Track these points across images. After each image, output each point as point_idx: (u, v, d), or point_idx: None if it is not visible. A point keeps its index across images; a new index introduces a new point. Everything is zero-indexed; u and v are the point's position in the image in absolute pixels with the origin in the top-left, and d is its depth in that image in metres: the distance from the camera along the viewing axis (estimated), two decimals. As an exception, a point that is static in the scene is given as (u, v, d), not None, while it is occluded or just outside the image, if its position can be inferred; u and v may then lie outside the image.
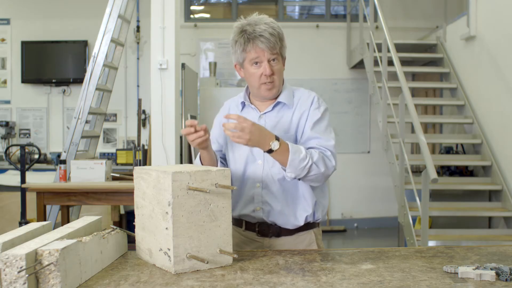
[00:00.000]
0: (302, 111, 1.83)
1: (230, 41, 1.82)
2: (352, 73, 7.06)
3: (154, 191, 1.49)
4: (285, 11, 7.63)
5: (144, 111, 6.62)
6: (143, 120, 6.63)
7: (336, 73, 7.09)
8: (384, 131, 4.88)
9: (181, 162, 4.95)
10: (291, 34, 6.19)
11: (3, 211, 5.01)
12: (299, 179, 1.75)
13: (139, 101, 6.14)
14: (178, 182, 1.41)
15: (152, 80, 4.54)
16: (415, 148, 6.45)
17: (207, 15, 7.76)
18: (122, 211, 5.33)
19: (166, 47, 4.51)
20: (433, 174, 3.48)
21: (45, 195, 3.78)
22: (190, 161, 5.13)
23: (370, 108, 7.06)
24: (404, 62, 5.55)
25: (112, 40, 4.51)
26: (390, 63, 4.59)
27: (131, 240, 1.64)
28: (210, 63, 6.59)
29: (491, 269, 1.36)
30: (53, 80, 6.80)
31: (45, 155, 6.43)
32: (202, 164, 1.84)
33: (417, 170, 5.58)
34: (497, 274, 1.34)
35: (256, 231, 1.85)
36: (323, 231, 2.18)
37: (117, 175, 4.24)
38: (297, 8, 8.00)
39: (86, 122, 4.46)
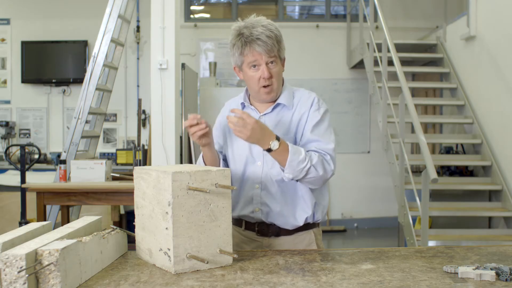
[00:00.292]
0: (302, 113, 1.83)
1: (229, 44, 1.82)
2: (352, 73, 7.06)
3: (154, 191, 1.49)
4: (285, 11, 7.63)
5: (144, 111, 6.62)
6: (143, 120, 6.63)
7: (336, 73, 7.09)
8: (384, 131, 4.88)
9: (181, 162, 4.96)
10: (291, 34, 6.21)
11: (3, 211, 5.01)
12: (297, 180, 1.75)
13: (139, 101, 6.15)
14: (178, 182, 1.41)
15: (152, 80, 4.54)
16: (415, 148, 6.45)
17: (207, 15, 7.76)
18: (122, 211, 5.33)
19: (166, 47, 4.51)
20: (433, 174, 3.48)
21: (45, 195, 3.78)
22: (190, 161, 5.13)
23: (370, 108, 7.06)
24: (404, 62, 5.55)
25: (112, 40, 4.51)
26: (390, 63, 4.59)
27: (131, 240, 1.64)
28: (210, 63, 6.59)
29: (491, 269, 1.36)
30: (53, 80, 6.80)
31: (45, 155, 6.43)
32: (205, 164, 1.84)
33: (417, 170, 5.58)
34: (497, 274, 1.34)
35: (255, 231, 1.85)
36: (323, 231, 2.17)
37: (117, 175, 4.24)
38: (297, 8, 8.00)
39: (86, 122, 4.46)
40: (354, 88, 7.11)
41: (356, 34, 6.57)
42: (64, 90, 6.92)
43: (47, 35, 6.80)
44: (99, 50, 4.46)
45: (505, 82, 4.46)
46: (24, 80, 6.81)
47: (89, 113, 4.46)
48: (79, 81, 6.03)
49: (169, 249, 1.41)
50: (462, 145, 5.47)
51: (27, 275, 1.17)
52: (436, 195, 4.81)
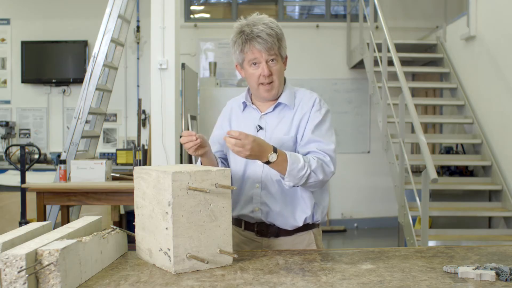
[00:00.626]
0: (303, 113, 1.82)
1: (230, 42, 1.82)
2: (352, 73, 7.06)
3: (154, 191, 1.49)
4: (285, 11, 7.63)
5: (144, 111, 6.62)
6: (143, 120, 6.63)
7: (336, 73, 7.09)
8: (384, 131, 4.88)
9: (181, 162, 4.95)
10: (291, 34, 6.18)
11: (3, 211, 5.01)
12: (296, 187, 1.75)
13: (139, 101, 6.14)
14: (178, 182, 1.41)
15: (152, 80, 4.54)
16: (415, 148, 6.45)
17: (207, 15, 7.76)
18: (122, 211, 5.33)
19: (166, 47, 4.51)
20: (433, 174, 3.48)
21: (45, 195, 3.78)
22: (190, 161, 5.13)
23: (370, 108, 7.06)
24: (404, 62, 5.55)
25: (112, 40, 4.51)
26: (390, 63, 4.59)
27: (131, 240, 1.64)
28: (210, 63, 6.59)
29: (491, 269, 1.36)
30: (53, 80, 6.80)
31: (45, 155, 6.43)
32: None
33: (417, 170, 5.58)
34: (497, 274, 1.34)
35: (255, 231, 1.85)
36: (323, 231, 2.18)
37: (117, 175, 4.23)
38: (297, 8, 8.00)
39: (86, 122, 4.45)
40: (354, 88, 7.11)
41: (356, 34, 6.57)
42: (64, 90, 6.92)
43: (47, 35, 6.80)
44: (99, 50, 4.45)
45: (505, 82, 4.46)
46: (24, 80, 6.80)
47: (89, 113, 4.46)
48: (79, 81, 6.03)
49: (169, 249, 1.41)
50: (462, 145, 5.47)
51: (27, 275, 1.17)
52: (436, 195, 4.81)
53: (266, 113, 1.86)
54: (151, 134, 4.59)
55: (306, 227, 1.84)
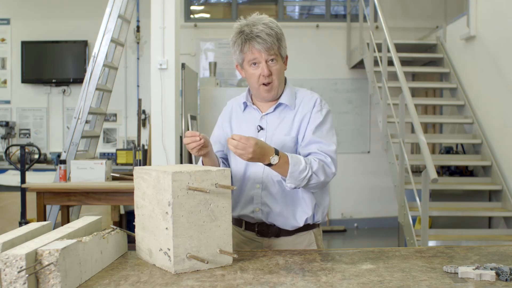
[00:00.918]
0: (304, 114, 1.82)
1: (230, 42, 1.82)
2: (352, 73, 7.06)
3: (154, 191, 1.49)
4: (285, 11, 7.63)
5: (144, 111, 6.62)
6: (143, 120, 6.62)
7: (336, 73, 7.09)
8: (384, 131, 4.88)
9: (181, 162, 4.95)
10: (291, 34, 6.18)
11: (3, 211, 5.01)
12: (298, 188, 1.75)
13: (139, 101, 6.14)
14: (178, 182, 1.41)
15: (152, 80, 4.54)
16: (415, 148, 6.45)
17: (207, 15, 7.76)
18: (122, 211, 5.33)
19: (166, 47, 4.51)
20: (433, 174, 3.48)
21: (45, 195, 3.78)
22: (190, 161, 5.13)
23: (370, 108, 7.06)
24: (404, 62, 5.55)
25: (112, 40, 4.51)
26: (390, 63, 4.59)
27: (131, 240, 1.64)
28: (210, 63, 6.59)
29: (491, 269, 1.36)
30: (53, 80, 6.80)
31: (45, 155, 6.44)
32: None
33: (417, 170, 5.58)
34: (497, 274, 1.34)
35: (255, 231, 1.85)
36: (323, 231, 2.17)
37: (117, 175, 4.23)
38: (297, 8, 8.00)
39: (86, 122, 4.45)
40: (354, 88, 7.11)
41: (356, 34, 6.57)
42: (64, 90, 6.92)
43: (47, 35, 6.80)
44: (99, 50, 4.45)
45: (505, 82, 4.46)
46: (24, 80, 6.80)
47: (89, 113, 4.46)
48: (79, 81, 6.03)
49: (169, 249, 1.41)
50: (462, 145, 5.47)
51: (27, 275, 1.17)
52: (436, 195, 4.81)
53: (267, 114, 1.86)
54: (151, 134, 4.60)
55: (306, 227, 1.84)
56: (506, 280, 1.31)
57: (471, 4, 4.94)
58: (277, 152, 1.64)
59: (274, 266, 1.48)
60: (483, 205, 4.67)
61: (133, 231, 1.64)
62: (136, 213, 1.61)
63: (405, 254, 1.62)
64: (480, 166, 4.95)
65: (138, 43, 6.88)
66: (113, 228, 1.58)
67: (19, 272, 1.16)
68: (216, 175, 1.47)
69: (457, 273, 1.37)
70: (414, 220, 4.16)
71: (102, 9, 4.52)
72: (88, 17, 6.41)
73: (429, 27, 6.67)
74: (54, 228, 1.50)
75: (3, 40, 6.93)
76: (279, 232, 1.83)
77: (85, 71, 5.67)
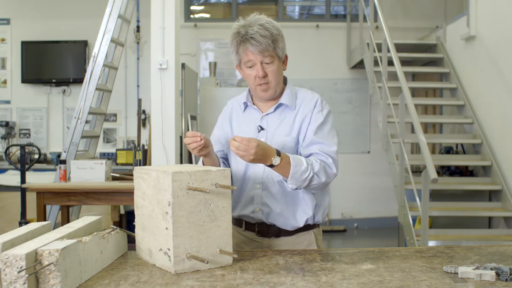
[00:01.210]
0: (305, 114, 1.82)
1: (229, 42, 1.82)
2: (352, 73, 7.06)
3: (154, 191, 1.49)
4: (285, 11, 7.63)
5: (144, 111, 6.62)
6: (143, 120, 6.62)
7: (336, 73, 7.09)
8: (384, 131, 4.88)
9: (181, 162, 4.95)
10: (291, 34, 6.18)
11: (3, 211, 5.01)
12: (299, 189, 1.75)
13: (139, 101, 6.14)
14: (178, 182, 1.41)
15: (152, 80, 4.54)
16: (415, 148, 6.45)
17: (207, 15, 7.76)
18: (122, 211, 5.33)
19: (166, 47, 4.51)
20: (433, 174, 3.48)
21: (45, 195, 3.78)
22: (190, 161, 5.13)
23: (370, 108, 7.06)
24: (404, 62, 5.55)
25: (112, 40, 4.51)
26: (390, 63, 4.59)
27: (131, 240, 1.64)
28: (210, 63, 6.59)
29: (491, 269, 1.36)
30: (53, 80, 6.80)
31: (45, 155, 6.44)
32: None
33: (417, 170, 5.58)
34: (497, 274, 1.34)
35: (255, 232, 1.85)
36: (323, 231, 2.18)
37: (117, 175, 4.23)
38: (297, 8, 8.00)
39: (86, 122, 4.45)
40: (354, 88, 7.11)
41: (356, 34, 6.57)
42: (64, 90, 6.92)
43: (47, 35, 6.80)
44: (99, 50, 4.45)
45: (505, 82, 4.46)
46: (24, 80, 6.80)
47: (89, 113, 4.46)
48: (79, 81, 6.03)
49: (169, 249, 1.41)
50: (462, 145, 5.47)
51: (27, 275, 1.17)
52: (436, 195, 4.81)
53: (267, 114, 1.86)
54: (151, 134, 4.59)
55: (306, 227, 1.84)
56: (506, 280, 1.31)
57: (471, 4, 4.94)
58: (278, 153, 1.64)
59: (274, 266, 1.48)
60: (483, 205, 4.67)
61: (133, 231, 1.64)
62: (136, 213, 1.61)
63: (405, 254, 1.62)
64: (480, 166, 4.95)
65: (138, 43, 6.88)
66: (113, 228, 1.58)
67: (19, 272, 1.16)
68: (216, 175, 1.47)
69: (457, 273, 1.37)
70: (414, 220, 4.16)
71: (102, 9, 4.52)
72: (88, 17, 6.41)
73: (429, 27, 6.67)
74: (54, 228, 1.50)
75: (3, 40, 6.93)
76: (279, 232, 1.83)
77: (85, 71, 5.67)
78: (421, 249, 1.70)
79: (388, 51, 4.65)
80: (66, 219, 4.06)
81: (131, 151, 5.75)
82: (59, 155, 5.33)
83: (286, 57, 1.85)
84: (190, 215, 1.43)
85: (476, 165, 4.96)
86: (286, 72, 1.89)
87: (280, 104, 1.85)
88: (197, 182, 1.44)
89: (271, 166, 1.65)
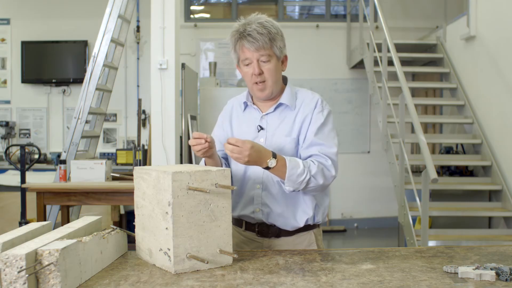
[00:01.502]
0: (305, 115, 1.81)
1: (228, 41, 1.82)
2: (352, 73, 7.06)
3: (154, 191, 1.49)
4: (285, 11, 7.63)
5: (144, 111, 6.62)
6: (143, 120, 6.62)
7: (336, 73, 7.09)
8: (384, 131, 4.88)
9: (181, 162, 4.95)
10: (291, 34, 6.18)
11: (3, 211, 5.01)
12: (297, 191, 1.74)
13: (139, 101, 6.14)
14: (178, 182, 1.41)
15: (152, 80, 4.54)
16: (415, 148, 6.45)
17: (207, 15, 7.76)
18: (122, 211, 5.33)
19: (166, 47, 4.51)
20: (433, 174, 3.48)
21: (45, 195, 3.78)
22: (190, 161, 5.13)
23: (370, 108, 7.06)
24: (404, 62, 5.55)
25: (112, 40, 4.51)
26: (390, 63, 4.59)
27: (131, 240, 1.64)
28: (210, 63, 6.59)
29: (491, 269, 1.36)
30: (53, 80, 6.80)
31: (45, 155, 6.43)
32: None
33: (417, 170, 5.58)
34: (497, 274, 1.34)
35: (255, 232, 1.84)
36: (323, 231, 2.17)
37: (117, 175, 4.24)
38: (297, 8, 8.00)
39: (86, 122, 4.45)
40: (354, 88, 7.11)
41: (356, 34, 6.57)
42: (64, 90, 6.92)
43: (47, 35, 6.80)
44: (99, 50, 4.45)
45: (505, 82, 4.46)
46: (24, 80, 6.80)
47: (89, 113, 4.46)
48: (79, 81, 6.03)
49: (169, 249, 1.41)
50: (462, 145, 5.47)
51: (27, 275, 1.17)
52: (436, 195, 4.81)
53: (267, 114, 1.86)
54: (151, 134, 4.59)
55: (307, 227, 1.84)
56: (506, 280, 1.31)
57: (471, 4, 4.94)
58: (274, 155, 1.64)
59: (274, 266, 1.48)
60: (483, 205, 4.67)
61: (133, 231, 1.64)
62: (136, 213, 1.61)
63: (405, 254, 1.62)
64: (480, 166, 4.95)
65: (138, 43, 6.88)
66: (113, 228, 1.58)
67: (19, 272, 1.16)
68: (216, 175, 1.47)
69: (457, 273, 1.37)
70: (414, 220, 4.16)
71: (102, 9, 4.52)
72: (88, 17, 6.41)
73: (429, 27, 6.67)
74: (54, 228, 1.50)
75: (3, 40, 6.93)
76: (279, 233, 1.83)
77: (85, 71, 5.67)
78: (421, 249, 1.70)
79: (388, 51, 4.65)
80: (66, 219, 4.06)
81: (131, 151, 5.75)
82: (59, 155, 5.33)
83: (285, 57, 1.84)
84: (190, 215, 1.43)
85: (476, 165, 4.96)
86: (286, 72, 1.89)
87: (280, 104, 1.85)
88: (197, 182, 1.44)
89: (268, 168, 1.65)
